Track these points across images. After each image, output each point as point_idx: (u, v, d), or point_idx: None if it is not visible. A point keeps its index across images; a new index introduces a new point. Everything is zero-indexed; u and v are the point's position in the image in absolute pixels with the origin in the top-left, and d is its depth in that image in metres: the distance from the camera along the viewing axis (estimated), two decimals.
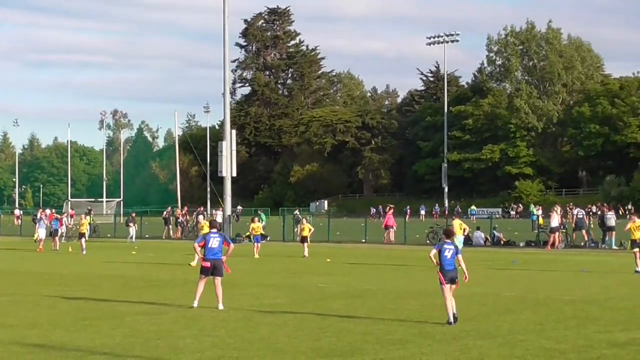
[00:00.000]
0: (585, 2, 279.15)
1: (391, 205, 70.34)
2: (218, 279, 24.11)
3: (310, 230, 48.48)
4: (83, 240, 53.82)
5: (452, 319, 20.67)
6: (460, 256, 21.11)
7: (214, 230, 24.67)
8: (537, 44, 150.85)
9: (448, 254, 20.84)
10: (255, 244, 48.35)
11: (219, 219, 66.03)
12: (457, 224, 42.71)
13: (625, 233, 40.49)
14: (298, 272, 37.58)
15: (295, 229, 67.10)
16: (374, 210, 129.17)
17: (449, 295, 20.83)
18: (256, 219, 52.70)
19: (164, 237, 70.67)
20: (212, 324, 21.23)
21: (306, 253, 46.62)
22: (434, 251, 21.15)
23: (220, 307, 23.74)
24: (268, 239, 63.93)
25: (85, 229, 55.57)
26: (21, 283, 32.57)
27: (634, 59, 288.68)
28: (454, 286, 20.95)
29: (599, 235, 56.38)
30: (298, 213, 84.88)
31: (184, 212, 76.75)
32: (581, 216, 58.16)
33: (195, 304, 23.94)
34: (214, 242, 24.10)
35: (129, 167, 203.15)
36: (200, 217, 53.33)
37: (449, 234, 21.72)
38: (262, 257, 46.29)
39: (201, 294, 24.16)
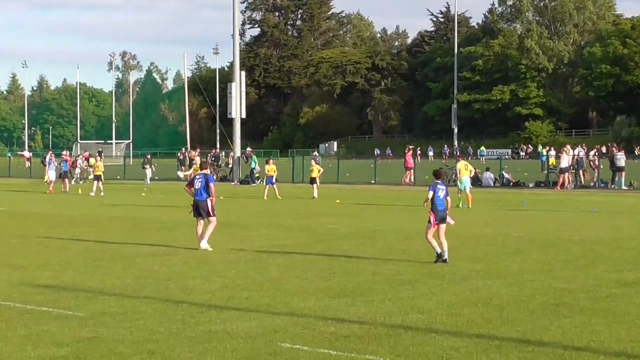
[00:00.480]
0: None
1: (410, 147, 70.19)
2: (209, 219, 24.35)
3: (319, 171, 48.50)
4: (100, 182, 53.86)
5: (439, 250, 21.06)
6: (449, 198, 21.51)
7: (202, 171, 25.04)
8: None
9: (441, 194, 21.18)
10: (267, 185, 48.01)
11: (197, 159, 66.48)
12: (463, 165, 42.55)
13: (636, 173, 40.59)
14: (308, 213, 37.65)
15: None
16: (378, 151, 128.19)
17: (431, 235, 21.17)
18: (270, 160, 51.83)
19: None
20: (222, 265, 21.31)
21: (315, 194, 46.61)
22: (430, 194, 21.26)
23: (203, 244, 23.99)
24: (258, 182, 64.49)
25: (101, 170, 55.43)
26: (31, 225, 32.71)
27: None
28: (444, 225, 21.20)
29: (609, 175, 56.28)
30: (317, 154, 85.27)
31: (197, 152, 76.20)
32: (582, 156, 58.28)
33: (199, 247, 24.06)
34: (197, 183, 24.46)
35: (138, 109, 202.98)
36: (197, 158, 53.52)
37: (439, 175, 21.97)
38: (271, 199, 46.29)
39: (200, 235, 24.35)
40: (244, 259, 22.51)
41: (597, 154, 65.04)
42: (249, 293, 17.27)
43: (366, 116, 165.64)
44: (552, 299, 16.33)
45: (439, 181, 21.56)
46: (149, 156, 71.87)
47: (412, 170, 62.28)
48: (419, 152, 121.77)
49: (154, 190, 57.78)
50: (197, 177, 24.71)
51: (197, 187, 24.35)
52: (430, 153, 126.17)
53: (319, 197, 46.35)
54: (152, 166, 69.09)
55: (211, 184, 24.46)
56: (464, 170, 41.61)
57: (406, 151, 65.53)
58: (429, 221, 21.19)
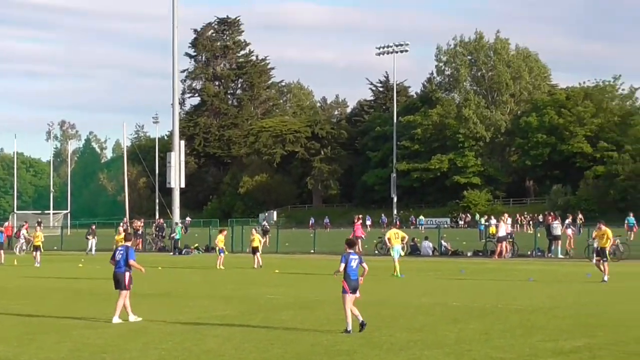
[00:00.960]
0: (533, 14, 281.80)
1: (359, 216, 70.21)
2: (122, 293, 23.96)
3: (260, 241, 48.47)
4: (38, 253, 53.56)
5: (349, 328, 20.90)
6: (364, 264, 21.35)
7: (125, 243, 24.86)
8: (485, 54, 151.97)
9: (353, 263, 21.07)
10: (220, 255, 47.49)
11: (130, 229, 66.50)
12: (392, 234, 42.74)
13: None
14: (247, 283, 37.51)
15: (264, 239, 67.19)
16: (312, 220, 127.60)
17: (349, 304, 21.02)
18: (224, 230, 51.87)
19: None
20: (158, 336, 21.12)
21: (256, 264, 46.46)
22: (342, 265, 21.15)
23: (115, 319, 23.61)
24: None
25: (40, 241, 55.12)
26: None
27: (579, 70, 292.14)
28: (355, 295, 21.12)
29: (545, 244, 56.74)
30: (266, 224, 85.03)
31: (141, 223, 75.50)
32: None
33: (114, 319, 23.65)
34: (118, 255, 24.24)
35: (76, 179, 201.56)
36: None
37: (352, 244, 21.90)
38: (213, 269, 46.08)
39: (121, 307, 23.95)
40: (181, 330, 22.33)
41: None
42: None
43: (306, 185, 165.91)
44: None
45: (352, 250, 21.48)
46: (93, 226, 71.31)
47: (361, 240, 61.67)
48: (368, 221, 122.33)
49: (91, 261, 57.23)
50: (119, 249, 24.50)
51: (117, 259, 24.13)
52: (368, 222, 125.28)
53: (260, 267, 46.18)
54: (96, 237, 68.50)
55: (131, 260, 24.08)
56: (394, 238, 41.70)
57: (355, 220, 65.41)
58: (343, 290, 21.11)
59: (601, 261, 36.16)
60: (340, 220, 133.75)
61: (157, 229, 72.44)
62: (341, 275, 21.25)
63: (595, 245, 37.06)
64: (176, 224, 72.25)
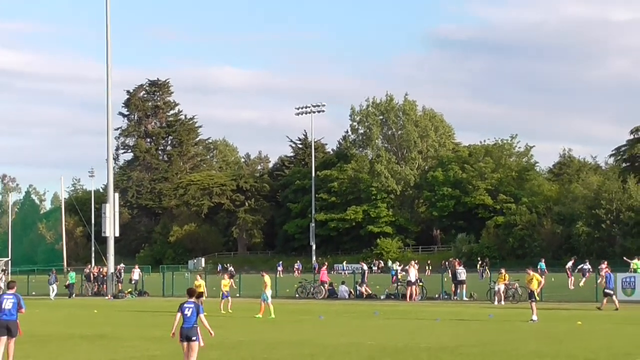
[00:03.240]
0: (438, 77, 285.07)
1: (325, 262, 70.26)
2: (12, 340, 22.62)
3: (203, 287, 47.29)
4: None
5: None
6: (202, 315, 20.23)
7: (10, 291, 23.23)
8: (395, 115, 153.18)
9: (188, 312, 19.98)
10: (224, 299, 46.58)
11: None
12: (267, 279, 43.25)
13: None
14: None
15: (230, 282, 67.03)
16: (221, 267, 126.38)
17: (195, 352, 19.98)
18: (226, 275, 51.20)
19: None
20: None
21: (221, 308, 46.12)
22: (178, 315, 20.15)
23: None
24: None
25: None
26: None
27: (480, 129, 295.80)
28: (193, 344, 19.96)
29: (451, 287, 57.16)
30: (232, 269, 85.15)
31: (97, 269, 73.96)
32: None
33: None
34: (7, 303, 22.67)
35: (16, 229, 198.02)
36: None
37: (191, 293, 20.88)
38: (143, 312, 45.53)
39: (2, 354, 22.58)
40: None
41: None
42: None
43: (231, 234, 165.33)
44: None
45: (190, 300, 20.41)
46: (54, 271, 70.61)
47: (326, 284, 60.82)
48: (281, 266, 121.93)
49: (30, 306, 56.21)
50: (6, 296, 22.89)
51: (7, 307, 22.58)
52: (280, 268, 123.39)
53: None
54: (57, 282, 67.75)
55: (23, 309, 22.83)
56: (268, 283, 42.41)
57: (322, 267, 65.65)
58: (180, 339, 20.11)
59: (532, 302, 36.78)
60: (264, 267, 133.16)
61: (118, 273, 71.29)
62: (177, 329, 20.14)
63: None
64: (68, 270, 72.95)
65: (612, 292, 44.46)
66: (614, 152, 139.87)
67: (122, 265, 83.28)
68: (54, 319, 38.70)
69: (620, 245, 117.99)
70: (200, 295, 45.18)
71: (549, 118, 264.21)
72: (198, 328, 19.98)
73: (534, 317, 36.03)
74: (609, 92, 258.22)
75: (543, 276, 66.34)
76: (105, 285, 68.76)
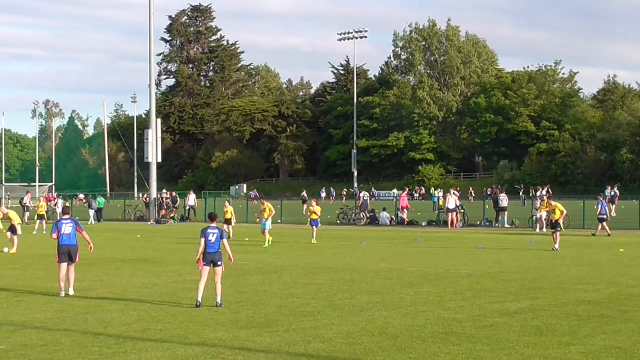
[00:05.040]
0: (482, 3, 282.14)
1: (405, 188, 69.91)
2: (71, 265, 22.34)
3: (232, 213, 46.38)
4: (44, 221, 54.41)
5: (199, 300, 19.62)
6: (225, 240, 20.03)
7: (65, 216, 23.05)
8: (438, 40, 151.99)
9: (212, 237, 19.79)
10: (313, 227, 43.51)
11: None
12: (268, 207, 42.20)
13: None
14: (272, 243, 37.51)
15: (304, 210, 68.50)
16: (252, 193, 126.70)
17: (205, 277, 19.73)
18: (314, 202, 47.65)
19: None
20: (137, 298, 21.08)
21: (231, 234, 45.17)
22: (202, 240, 19.83)
23: (71, 292, 21.98)
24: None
25: (44, 210, 56.00)
26: None
27: (524, 55, 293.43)
28: (218, 269, 19.80)
29: (493, 214, 57.06)
30: (305, 194, 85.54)
31: (167, 195, 73.76)
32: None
33: (62, 294, 21.94)
34: (67, 227, 22.41)
35: (60, 154, 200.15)
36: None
37: (213, 217, 20.64)
38: (185, 238, 45.84)
39: (63, 279, 22.16)
40: (159, 292, 22.31)
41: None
42: (163, 325, 17.12)
43: (273, 160, 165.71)
44: (441, 328, 16.47)
45: (213, 224, 20.21)
46: (90, 196, 71.53)
47: (406, 210, 60.45)
48: (323, 192, 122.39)
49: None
50: (65, 221, 22.60)
51: (67, 232, 22.33)
52: (323, 194, 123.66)
53: (233, 236, 45.67)
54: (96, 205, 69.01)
55: (83, 232, 22.58)
56: (267, 212, 41.61)
57: (403, 193, 65.29)
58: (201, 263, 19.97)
59: (555, 232, 36.13)
60: (307, 192, 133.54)
61: (170, 200, 71.26)
62: (202, 256, 19.94)
63: (548, 217, 37.41)
64: (94, 195, 73.92)
65: (605, 218, 45.76)
66: None
67: (165, 190, 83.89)
68: (98, 243, 39.11)
69: None
70: (228, 221, 45.07)
71: (594, 44, 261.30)
72: (222, 253, 19.95)
73: (556, 246, 35.50)
74: None
75: (614, 204, 65.78)
76: (163, 210, 68.66)
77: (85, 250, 23.47)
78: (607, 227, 45.42)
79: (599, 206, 46.34)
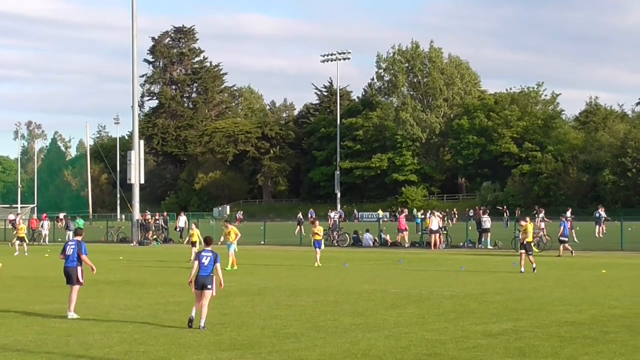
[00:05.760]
0: (465, 25, 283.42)
1: (403, 209, 69.43)
2: (74, 287, 22.23)
3: (198, 235, 44.23)
4: (24, 243, 54.11)
5: (193, 315, 19.70)
6: (218, 265, 19.95)
7: (75, 238, 23.08)
8: (421, 62, 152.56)
9: (205, 260, 19.84)
10: (317, 249, 41.13)
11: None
12: (233, 230, 40.44)
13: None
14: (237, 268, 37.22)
15: (296, 231, 68.51)
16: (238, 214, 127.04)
17: (198, 300, 19.80)
18: (317, 222, 44.47)
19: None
20: (120, 320, 21.01)
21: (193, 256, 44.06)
22: (196, 263, 20.01)
23: (70, 315, 21.82)
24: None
25: (24, 232, 55.65)
26: None
27: (506, 77, 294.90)
28: (207, 292, 19.77)
29: (476, 236, 57.08)
30: (300, 215, 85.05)
31: (157, 216, 73.38)
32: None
33: (69, 315, 21.87)
34: (69, 249, 22.54)
35: (42, 175, 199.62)
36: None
37: (208, 242, 20.66)
38: (168, 260, 45.69)
39: (74, 301, 22.26)
40: (141, 314, 22.23)
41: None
42: (146, 347, 17.06)
43: (256, 181, 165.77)
44: (424, 350, 16.47)
45: (208, 248, 20.30)
46: (69, 217, 71.64)
47: (405, 232, 59.56)
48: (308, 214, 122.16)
49: (57, 251, 56.69)
50: (69, 243, 22.81)
51: (68, 253, 22.47)
52: (313, 217, 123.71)
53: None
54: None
55: (83, 255, 22.46)
56: (232, 235, 39.76)
57: (401, 215, 64.46)
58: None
59: (526, 254, 35.44)
60: (289, 214, 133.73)
61: (163, 222, 71.12)
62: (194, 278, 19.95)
63: (520, 239, 36.69)
64: (73, 217, 74.30)
65: (566, 240, 46.44)
66: None
67: (148, 212, 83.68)
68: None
69: None
70: (194, 244, 44.32)
71: (576, 66, 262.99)
72: (214, 277, 19.94)
73: (522, 269, 34.67)
74: (636, 40, 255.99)
75: (601, 226, 65.53)
76: (150, 232, 68.52)
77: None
78: (569, 247, 46.12)
79: (561, 227, 46.84)
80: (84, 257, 22.42)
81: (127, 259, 47.15)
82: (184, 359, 15.60)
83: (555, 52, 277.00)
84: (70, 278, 22.33)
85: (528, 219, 38.11)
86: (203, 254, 20.06)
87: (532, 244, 37.45)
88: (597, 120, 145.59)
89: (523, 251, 35.71)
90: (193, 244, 44.52)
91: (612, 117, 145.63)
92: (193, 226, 47.27)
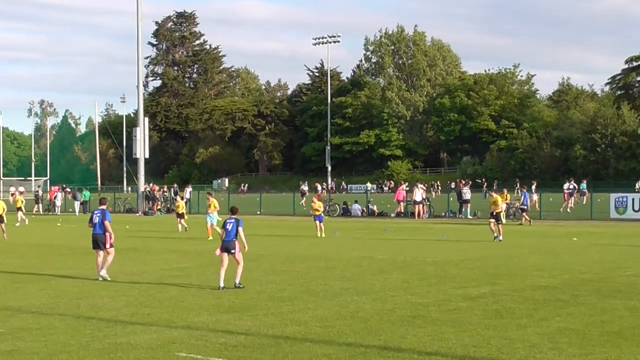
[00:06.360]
0: (447, 11, 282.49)
1: (403, 182, 68.92)
2: (107, 250, 22.61)
3: (183, 207, 44.76)
4: (21, 213, 53.81)
5: (222, 284, 19.97)
6: (241, 229, 20.26)
7: (100, 207, 23.17)
8: (406, 45, 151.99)
9: (229, 227, 20.23)
10: (318, 223, 39.56)
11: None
12: (213, 203, 38.74)
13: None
14: (202, 240, 37.23)
15: (301, 202, 68.49)
16: (242, 187, 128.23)
17: (224, 263, 20.16)
18: (315, 197, 42.98)
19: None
20: (127, 285, 21.03)
21: (180, 228, 43.41)
22: (222, 230, 20.61)
23: (102, 272, 22.21)
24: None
25: (21, 204, 55.47)
26: None
27: (485, 59, 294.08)
28: (230, 256, 20.13)
29: (456, 207, 57.14)
30: (304, 187, 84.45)
31: (157, 189, 72.84)
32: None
33: (100, 278, 22.25)
34: (96, 217, 22.81)
35: (54, 150, 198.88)
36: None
37: (234, 211, 20.97)
38: (171, 230, 45.65)
39: (99, 264, 22.66)
40: (147, 279, 22.25)
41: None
42: (151, 309, 17.08)
43: (253, 156, 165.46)
44: (409, 312, 16.51)
45: (233, 216, 20.59)
46: (75, 189, 71.60)
47: (403, 203, 58.45)
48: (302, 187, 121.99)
49: (68, 221, 56.70)
50: (96, 212, 22.99)
51: (95, 221, 22.77)
52: (305, 188, 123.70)
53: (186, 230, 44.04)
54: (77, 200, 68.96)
55: (106, 221, 22.62)
56: (213, 207, 38.48)
57: (399, 187, 63.40)
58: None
59: (495, 224, 35.26)
60: (283, 187, 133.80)
61: (174, 193, 70.72)
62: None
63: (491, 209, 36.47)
64: (80, 189, 74.18)
65: (525, 208, 48.19)
66: (609, 80, 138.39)
67: (152, 184, 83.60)
68: (87, 233, 38.95)
69: (614, 167, 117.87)
70: (181, 215, 43.95)
71: (550, 49, 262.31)
72: (237, 242, 20.19)
73: (500, 237, 34.46)
74: (606, 25, 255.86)
75: (584, 196, 65.17)
76: (158, 203, 68.16)
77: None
78: (527, 217, 47.35)
79: (522, 197, 48.65)
80: (106, 222, 22.66)
81: (133, 228, 47.11)
82: (186, 321, 15.62)
83: (530, 36, 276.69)
84: (98, 244, 22.62)
85: (505, 191, 38.20)
86: (227, 221, 20.43)
87: (501, 214, 37.15)
88: (569, 100, 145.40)
89: (493, 220, 35.79)
90: (179, 215, 44.00)
91: (583, 97, 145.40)
92: (178, 198, 46.68)
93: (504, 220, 38.49)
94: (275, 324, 15.18)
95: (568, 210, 57.37)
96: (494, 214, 35.83)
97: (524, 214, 47.61)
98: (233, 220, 20.36)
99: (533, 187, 59.43)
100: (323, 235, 38.64)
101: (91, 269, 24.15)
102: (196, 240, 37.05)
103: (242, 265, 20.41)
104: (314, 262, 26.62)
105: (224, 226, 20.53)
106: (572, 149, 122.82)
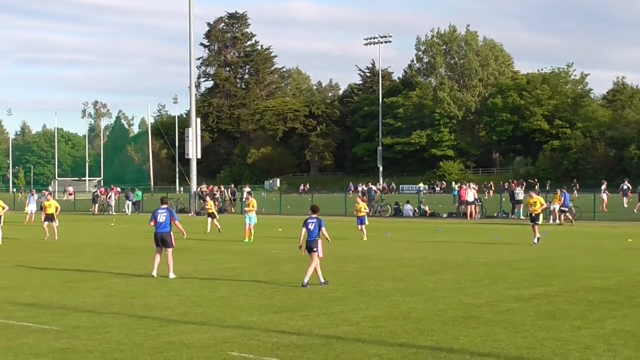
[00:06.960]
0: (499, 10, 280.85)
1: (465, 182, 68.72)
2: (168, 250, 22.84)
3: (212, 207, 44.48)
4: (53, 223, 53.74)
5: (306, 282, 20.30)
6: (324, 229, 20.63)
7: (163, 206, 23.36)
8: (457, 45, 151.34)
9: (311, 226, 20.57)
10: (360, 226, 37.88)
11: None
12: (252, 203, 38.27)
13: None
14: (254, 240, 37.28)
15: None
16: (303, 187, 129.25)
17: (314, 261, 20.52)
18: (358, 198, 40.84)
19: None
20: (179, 285, 21.17)
21: (209, 229, 42.96)
22: (303, 230, 20.80)
23: (172, 275, 22.56)
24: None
25: (52, 210, 53.94)
26: (12, 251, 32.24)
27: (538, 58, 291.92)
28: (314, 254, 20.46)
29: (509, 207, 56.70)
30: (364, 188, 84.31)
31: (209, 188, 72.94)
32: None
33: (154, 273, 22.82)
34: (161, 217, 22.98)
35: (108, 151, 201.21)
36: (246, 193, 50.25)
37: (315, 210, 21.09)
38: (223, 230, 45.75)
39: (158, 263, 23.08)
40: (199, 279, 22.37)
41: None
42: (203, 309, 17.17)
43: (304, 157, 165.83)
44: (461, 313, 16.42)
45: (313, 215, 20.84)
46: (128, 189, 72.34)
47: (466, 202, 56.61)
48: (352, 187, 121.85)
49: (121, 221, 57.25)
50: (160, 210, 23.09)
51: (161, 220, 22.89)
52: (360, 188, 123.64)
53: (262, 227, 45.42)
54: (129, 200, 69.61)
55: (176, 220, 23.06)
56: (252, 206, 37.87)
57: (463, 187, 62.40)
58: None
59: (533, 225, 33.93)
60: (334, 187, 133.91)
61: (232, 193, 70.93)
62: (304, 242, 20.77)
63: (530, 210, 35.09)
64: (132, 189, 74.55)
65: (566, 210, 47.81)
66: None
67: (204, 185, 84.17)
68: (141, 234, 39.30)
69: None
70: (212, 215, 43.22)
71: (604, 47, 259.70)
72: (319, 240, 20.55)
73: (535, 240, 33.25)
74: None
75: (626, 197, 64.39)
76: (217, 202, 68.08)
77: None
78: (570, 216, 47.68)
79: (563, 198, 47.87)
80: (176, 222, 23.04)
81: (185, 229, 47.31)
82: (238, 320, 15.68)
83: (584, 34, 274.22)
84: (165, 242, 22.86)
85: (559, 191, 37.73)
86: (309, 220, 20.75)
87: (541, 216, 35.57)
88: (624, 99, 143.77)
89: (532, 224, 34.09)
90: (211, 215, 43.80)
91: (638, 96, 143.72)
92: (207, 198, 46.46)
93: (540, 222, 37.11)
94: (327, 324, 15.18)
95: (635, 211, 55.56)
96: (532, 215, 34.50)
97: (565, 214, 47.56)
98: (315, 220, 20.71)
99: (603, 186, 59.26)
100: (365, 238, 36.89)
101: (144, 269, 24.36)
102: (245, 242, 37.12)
103: (317, 263, 20.72)
104: (366, 262, 26.58)
105: (305, 225, 20.78)
106: (626, 149, 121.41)
